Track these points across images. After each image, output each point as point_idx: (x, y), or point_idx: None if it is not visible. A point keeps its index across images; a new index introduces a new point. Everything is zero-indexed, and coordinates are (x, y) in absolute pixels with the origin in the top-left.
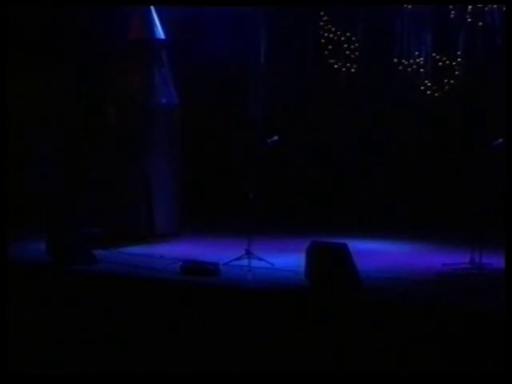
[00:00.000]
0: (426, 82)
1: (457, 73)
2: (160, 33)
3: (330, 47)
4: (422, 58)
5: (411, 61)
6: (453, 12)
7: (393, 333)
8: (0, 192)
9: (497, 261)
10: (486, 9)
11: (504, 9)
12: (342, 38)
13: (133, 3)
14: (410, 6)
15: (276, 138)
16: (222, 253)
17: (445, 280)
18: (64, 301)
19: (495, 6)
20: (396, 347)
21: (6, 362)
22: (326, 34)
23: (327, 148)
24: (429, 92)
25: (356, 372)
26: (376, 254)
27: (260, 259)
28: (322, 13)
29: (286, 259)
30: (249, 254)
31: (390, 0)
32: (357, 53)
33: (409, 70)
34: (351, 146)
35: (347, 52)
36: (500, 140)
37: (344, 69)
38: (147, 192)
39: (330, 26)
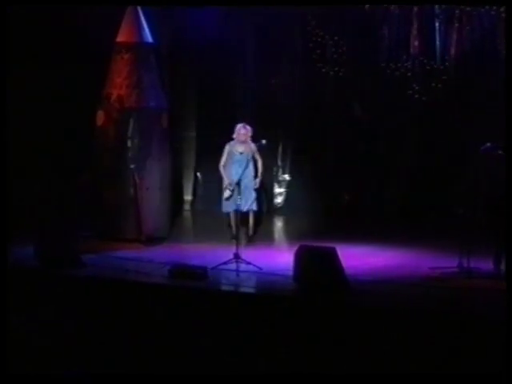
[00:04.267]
0: (414, 85)
1: (444, 77)
2: (148, 36)
3: (318, 51)
4: (409, 62)
5: (399, 65)
6: (440, 16)
7: (380, 335)
8: (1, 196)
9: (485, 265)
10: (474, 13)
11: (492, 12)
12: (330, 42)
13: (133, 3)
14: (397, 11)
15: (264, 142)
16: (210, 257)
17: (432, 283)
18: (51, 305)
19: (483, 9)
20: (383, 349)
21: (6, 363)
22: (314, 38)
23: (315, 150)
24: (416, 96)
25: (343, 373)
26: (365, 257)
27: (248, 263)
28: (309, 17)
29: (276, 262)
30: (237, 258)
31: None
32: (344, 57)
33: (396, 73)
34: (339, 148)
35: (335, 56)
36: (488, 144)
37: (332, 72)
38: (135, 195)
39: (318, 31)
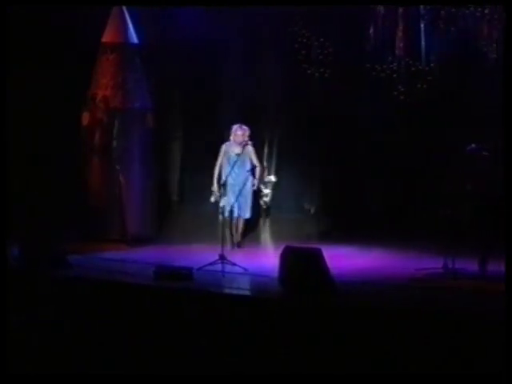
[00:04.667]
0: (399, 87)
1: (429, 78)
2: (134, 36)
3: (303, 52)
4: (394, 64)
5: (384, 66)
6: (426, 17)
7: (365, 335)
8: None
9: (470, 265)
10: (459, 14)
11: (477, 14)
12: (316, 43)
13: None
14: (382, 11)
15: (273, 178)
16: (196, 258)
17: (417, 284)
18: (36, 306)
19: (467, 11)
20: (369, 349)
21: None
22: (299, 39)
23: (301, 151)
24: (402, 97)
25: (329, 373)
26: (351, 258)
27: (233, 264)
28: (295, 18)
29: (262, 264)
30: (222, 259)
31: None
32: (330, 58)
33: (382, 75)
34: (325, 148)
35: (320, 57)
36: (473, 145)
37: (317, 74)
38: (120, 195)
39: (303, 32)
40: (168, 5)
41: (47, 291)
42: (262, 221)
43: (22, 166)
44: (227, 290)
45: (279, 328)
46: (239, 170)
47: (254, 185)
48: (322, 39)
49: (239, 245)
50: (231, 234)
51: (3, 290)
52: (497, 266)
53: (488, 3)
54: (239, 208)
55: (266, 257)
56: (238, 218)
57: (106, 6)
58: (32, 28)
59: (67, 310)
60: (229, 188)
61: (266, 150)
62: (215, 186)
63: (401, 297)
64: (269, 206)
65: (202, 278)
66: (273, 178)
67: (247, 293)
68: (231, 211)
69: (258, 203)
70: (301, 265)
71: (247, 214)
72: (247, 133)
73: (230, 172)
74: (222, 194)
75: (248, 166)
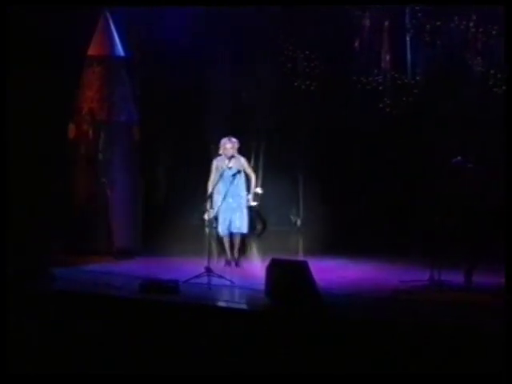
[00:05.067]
0: (385, 99)
1: (415, 91)
2: (120, 49)
3: (289, 65)
4: (380, 77)
5: (370, 79)
6: (411, 31)
7: (351, 347)
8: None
9: (456, 277)
10: (444, 27)
11: (461, 27)
12: (301, 56)
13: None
14: (368, 24)
15: (259, 190)
16: (182, 270)
17: (404, 296)
18: (20, 319)
19: (453, 24)
20: (355, 362)
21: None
22: (285, 52)
23: (287, 163)
24: (387, 109)
25: None
26: (338, 270)
27: (220, 277)
28: (280, 31)
29: (249, 276)
30: (209, 271)
31: (390, 1)
32: (316, 71)
33: (368, 87)
34: (312, 160)
35: (306, 70)
36: (459, 158)
37: (303, 86)
38: (106, 207)
39: (288, 45)
40: (167, 5)
41: (31, 304)
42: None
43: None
44: (214, 303)
45: (266, 340)
46: (231, 184)
47: (248, 200)
48: (307, 52)
49: (238, 263)
50: (229, 251)
51: (3, 290)
52: (483, 278)
53: (488, 3)
54: (236, 223)
55: (253, 269)
56: (235, 234)
57: (106, 5)
58: (17, 39)
59: (51, 324)
60: (220, 203)
61: (252, 162)
62: (209, 204)
63: (386, 309)
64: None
65: (189, 291)
66: (259, 190)
67: (234, 306)
68: (229, 227)
69: (260, 219)
70: (287, 277)
71: (244, 229)
72: (236, 145)
73: (227, 187)
74: (209, 208)
75: (242, 180)
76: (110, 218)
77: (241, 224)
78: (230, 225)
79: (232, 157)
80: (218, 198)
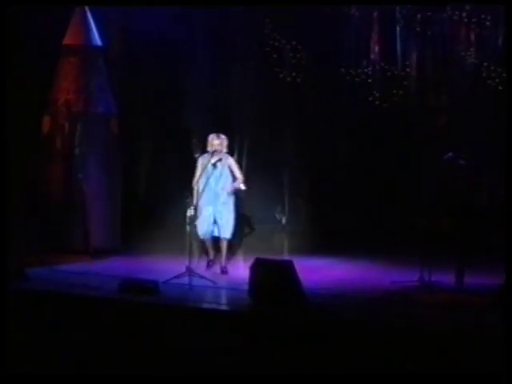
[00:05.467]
0: (375, 92)
1: (405, 83)
2: (97, 38)
3: (274, 56)
4: (369, 68)
5: (359, 70)
6: (401, 21)
7: (337, 349)
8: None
9: (446, 278)
10: (435, 17)
11: (454, 17)
12: (288, 47)
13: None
14: (357, 14)
15: (242, 187)
16: (162, 270)
17: (393, 297)
18: None
19: (444, 14)
20: (343, 364)
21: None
22: (270, 42)
23: (271, 159)
24: (377, 102)
25: None
26: (324, 270)
27: (201, 277)
28: (266, 20)
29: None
30: (190, 271)
31: (381, 0)
32: (303, 62)
33: (356, 79)
34: (297, 156)
35: (293, 61)
36: (450, 154)
37: (289, 78)
38: (83, 204)
39: (275, 34)
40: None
41: (2, 305)
42: None
43: None
44: (195, 304)
45: (249, 343)
46: (216, 183)
47: (231, 187)
48: (294, 42)
49: (224, 270)
50: (212, 251)
51: (3, 290)
52: (474, 278)
53: (488, 3)
54: (219, 227)
55: (236, 269)
56: (222, 239)
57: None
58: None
59: (23, 326)
60: (203, 203)
61: (235, 157)
62: (193, 201)
63: (373, 310)
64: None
65: (169, 292)
66: (242, 187)
67: (215, 307)
68: (213, 231)
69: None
70: (271, 277)
71: (227, 235)
72: (225, 142)
73: (208, 185)
74: (193, 204)
75: (228, 179)
76: (86, 216)
77: (228, 229)
78: (215, 229)
79: (218, 154)
80: (202, 196)
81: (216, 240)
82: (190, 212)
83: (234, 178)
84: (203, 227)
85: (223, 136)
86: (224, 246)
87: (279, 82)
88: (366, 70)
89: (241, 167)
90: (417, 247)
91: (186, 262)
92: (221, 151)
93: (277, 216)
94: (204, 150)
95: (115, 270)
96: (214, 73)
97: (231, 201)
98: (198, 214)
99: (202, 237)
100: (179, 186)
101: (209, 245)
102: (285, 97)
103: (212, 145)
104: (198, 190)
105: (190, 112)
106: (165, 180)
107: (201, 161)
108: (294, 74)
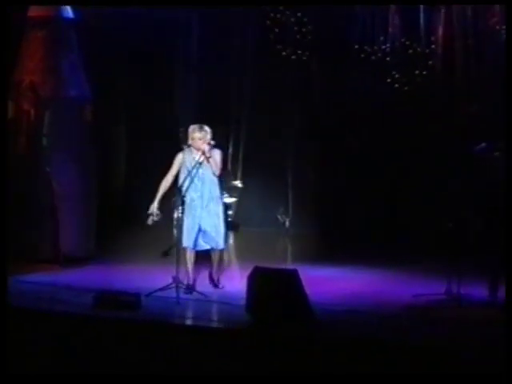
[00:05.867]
0: (394, 73)
1: (430, 62)
2: (68, 9)
3: (276, 30)
4: (388, 45)
5: (375, 47)
6: None
7: (349, 375)
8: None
9: (477, 291)
10: None
11: None
12: (292, 19)
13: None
14: None
15: (212, 142)
16: (145, 281)
17: (416, 314)
18: None
19: None
20: None
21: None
22: (272, 15)
23: (272, 151)
24: (397, 85)
25: None
26: (334, 281)
27: (191, 289)
28: None
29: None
30: (177, 282)
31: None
32: (309, 37)
33: (372, 58)
34: (301, 149)
35: (297, 36)
36: (483, 144)
37: (294, 56)
38: (52, 204)
39: (277, 6)
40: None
41: None
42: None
43: None
44: (182, 321)
45: (245, 365)
46: (202, 185)
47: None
48: (299, 14)
49: (216, 283)
50: (191, 266)
51: (3, 290)
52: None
53: (488, 3)
54: (208, 238)
55: (231, 280)
56: (213, 250)
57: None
58: None
59: None
60: (188, 210)
61: (230, 150)
62: (155, 205)
63: (394, 328)
64: (232, 219)
65: (152, 306)
66: (239, 184)
67: (207, 324)
68: (195, 241)
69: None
70: (272, 289)
71: (220, 244)
72: (208, 136)
73: (192, 186)
74: (179, 204)
75: (214, 180)
76: (56, 217)
77: (218, 238)
78: (201, 239)
79: (201, 150)
80: (188, 199)
81: (204, 251)
82: (177, 213)
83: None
84: (190, 235)
85: (207, 128)
86: (216, 257)
87: (282, 62)
88: (383, 47)
89: (236, 160)
90: (443, 254)
91: (173, 272)
92: (202, 147)
93: (279, 218)
94: (187, 144)
95: (89, 281)
96: (206, 51)
97: (220, 206)
98: (182, 220)
99: (185, 244)
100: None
101: (191, 256)
102: (288, 79)
103: (193, 138)
104: (182, 188)
105: (178, 97)
106: (147, 176)
107: (180, 157)
108: (299, 52)
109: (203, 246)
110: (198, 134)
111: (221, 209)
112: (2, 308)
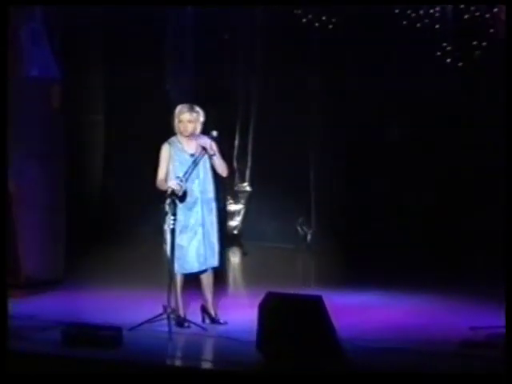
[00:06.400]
0: (445, 45)
1: (491, 31)
2: None
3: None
4: (437, 9)
5: (421, 12)
6: None
7: None
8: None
9: None
10: None
11: None
12: None
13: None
14: None
15: (215, 133)
16: (127, 310)
17: (473, 351)
18: None
19: None
20: None
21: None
22: None
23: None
24: (449, 60)
25: None
26: (368, 310)
27: (186, 321)
28: None
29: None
30: (169, 312)
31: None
32: None
33: (418, 25)
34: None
35: None
36: None
37: (317, 24)
38: (10, 215)
39: None
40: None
41: None
42: (229, 253)
43: None
44: (176, 362)
45: None
46: (198, 183)
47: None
48: None
49: (215, 318)
50: (180, 291)
51: (3, 290)
52: None
53: (488, 3)
54: (201, 254)
55: (237, 308)
56: (207, 272)
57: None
58: None
59: None
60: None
61: (236, 147)
62: (173, 182)
63: (445, 369)
64: (240, 231)
65: (137, 343)
66: (246, 187)
67: (207, 365)
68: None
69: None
70: (291, 321)
71: (215, 262)
72: (201, 118)
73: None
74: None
75: (209, 172)
76: (16, 232)
77: (210, 253)
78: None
79: (191, 137)
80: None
81: (197, 275)
82: (169, 224)
83: (216, 176)
84: (192, 257)
85: (198, 108)
86: (210, 279)
87: (301, 30)
88: (431, 11)
89: (245, 159)
90: (502, 277)
91: (164, 299)
92: (193, 132)
93: (299, 230)
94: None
95: (57, 311)
96: (204, 16)
97: (213, 210)
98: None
99: (177, 270)
100: (150, 186)
101: (180, 280)
102: (309, 53)
103: (180, 121)
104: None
105: (171, 77)
106: (128, 177)
107: (167, 149)
108: (323, 18)
109: (202, 264)
110: (187, 116)
111: (214, 213)
112: (3, 308)
